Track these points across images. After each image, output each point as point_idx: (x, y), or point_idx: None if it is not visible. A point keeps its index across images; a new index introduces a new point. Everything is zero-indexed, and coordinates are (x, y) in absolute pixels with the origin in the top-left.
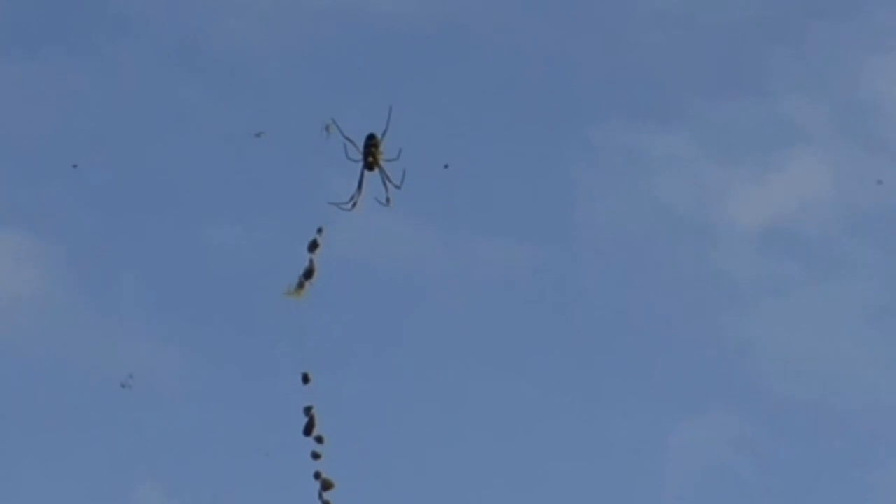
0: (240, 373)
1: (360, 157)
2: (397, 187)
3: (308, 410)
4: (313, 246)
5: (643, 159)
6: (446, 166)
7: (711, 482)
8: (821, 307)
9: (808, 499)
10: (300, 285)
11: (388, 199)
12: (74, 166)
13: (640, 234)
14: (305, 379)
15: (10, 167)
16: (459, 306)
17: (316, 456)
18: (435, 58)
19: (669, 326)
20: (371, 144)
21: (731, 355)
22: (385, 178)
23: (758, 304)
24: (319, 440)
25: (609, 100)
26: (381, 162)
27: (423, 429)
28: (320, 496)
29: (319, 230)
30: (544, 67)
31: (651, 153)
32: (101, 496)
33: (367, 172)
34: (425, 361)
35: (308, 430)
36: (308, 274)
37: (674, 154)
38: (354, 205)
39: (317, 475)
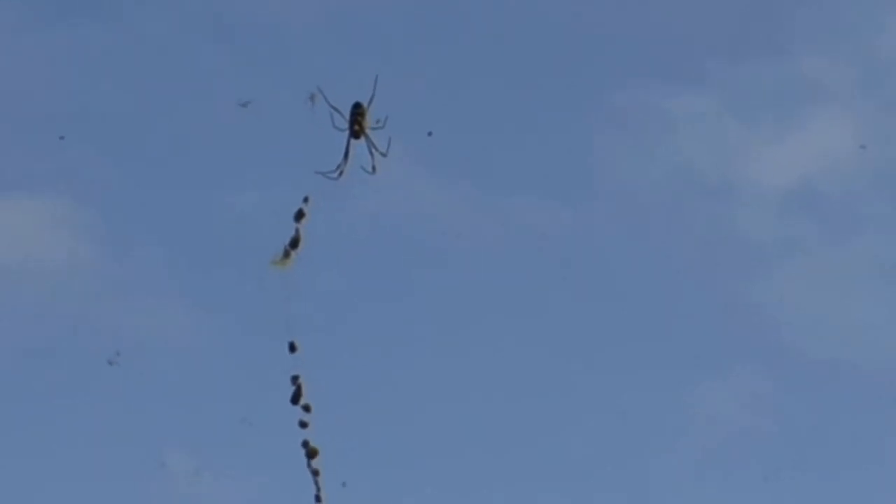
0: (249, 338)
1: (346, 126)
2: (383, 155)
3: (295, 379)
4: (299, 216)
5: (664, 120)
6: (430, 134)
7: (733, 442)
8: (842, 266)
9: (830, 458)
10: (286, 255)
11: (373, 168)
12: (61, 138)
13: (662, 195)
14: (292, 348)
15: (40, 133)
16: (474, 265)
17: (303, 425)
18: (459, 19)
19: (691, 286)
20: (357, 113)
21: (752, 315)
22: (371, 146)
23: (780, 263)
24: (307, 409)
25: (630, 60)
26: (367, 130)
27: (434, 388)
28: (308, 465)
29: (306, 200)
30: (566, 28)
31: (672, 113)
32: (129, 457)
33: (353, 141)
34: (435, 322)
35: (295, 398)
36: (294, 243)
37: (695, 114)
38: (341, 174)
39: (304, 444)
